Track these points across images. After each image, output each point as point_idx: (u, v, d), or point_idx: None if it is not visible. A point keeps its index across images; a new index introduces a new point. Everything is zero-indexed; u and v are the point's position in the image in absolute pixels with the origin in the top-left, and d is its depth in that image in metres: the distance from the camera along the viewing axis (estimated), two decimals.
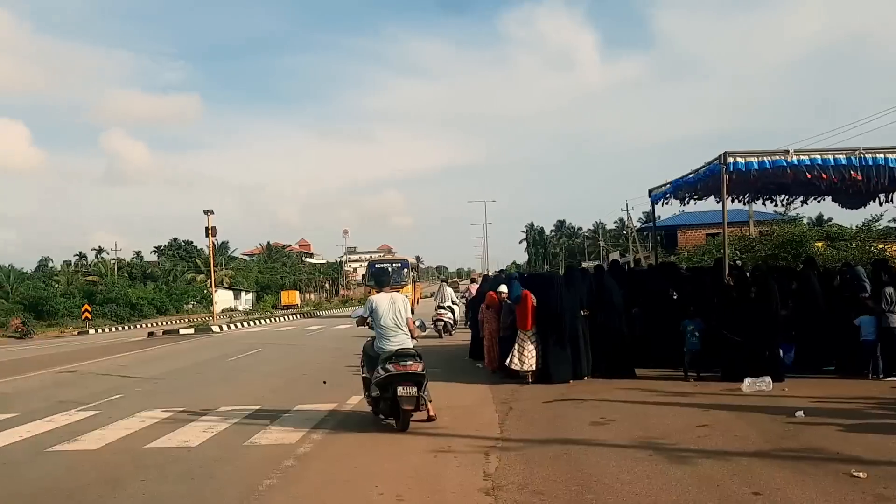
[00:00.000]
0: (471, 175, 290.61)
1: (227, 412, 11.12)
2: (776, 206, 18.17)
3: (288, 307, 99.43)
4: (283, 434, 9.38)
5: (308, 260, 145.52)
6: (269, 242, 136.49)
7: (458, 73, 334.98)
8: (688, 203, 17.50)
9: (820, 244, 31.91)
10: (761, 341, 11.86)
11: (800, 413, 9.22)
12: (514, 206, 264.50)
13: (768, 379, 11.31)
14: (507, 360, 12.93)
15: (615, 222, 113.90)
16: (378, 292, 10.24)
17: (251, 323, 42.62)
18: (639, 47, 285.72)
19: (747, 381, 11.31)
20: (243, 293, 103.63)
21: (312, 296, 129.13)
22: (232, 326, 38.32)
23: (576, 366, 12.81)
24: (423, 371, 9.44)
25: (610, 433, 8.71)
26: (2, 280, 72.18)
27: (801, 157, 13.11)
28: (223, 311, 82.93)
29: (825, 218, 52.21)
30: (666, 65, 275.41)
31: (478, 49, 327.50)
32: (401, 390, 9.22)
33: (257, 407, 11.50)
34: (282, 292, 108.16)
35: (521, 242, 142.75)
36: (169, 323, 55.76)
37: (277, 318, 51.11)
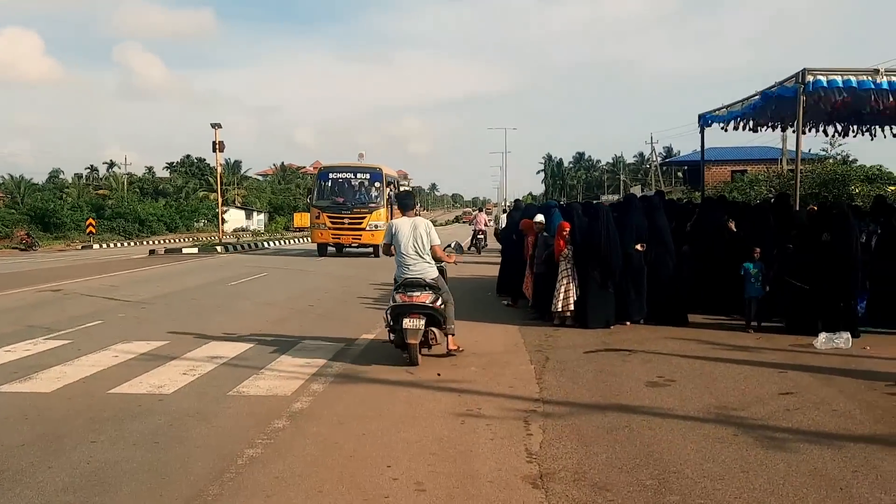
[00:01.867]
0: (491, 104, 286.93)
1: (214, 350, 9.59)
2: (853, 135, 16.13)
3: (301, 229, 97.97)
4: (278, 382, 7.83)
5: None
6: (283, 163, 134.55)
7: None
8: (745, 131, 15.65)
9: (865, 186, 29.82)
10: (836, 290, 10.20)
11: None
12: (533, 137, 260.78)
13: (847, 335, 9.66)
14: (552, 304, 11.34)
15: (634, 156, 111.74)
16: (402, 215, 9.32)
17: (260, 244, 41.06)
18: None
19: (822, 336, 9.66)
20: (255, 213, 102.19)
21: None
22: (239, 247, 36.72)
23: (620, 308, 11.20)
24: (433, 303, 8.68)
25: (674, 399, 7.11)
26: (11, 190, 70.95)
27: (893, 77, 11.21)
28: (234, 230, 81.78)
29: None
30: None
31: None
32: (407, 322, 8.55)
33: (252, 344, 9.96)
34: (295, 214, 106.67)
35: (538, 173, 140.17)
36: (176, 241, 54.32)
37: (288, 241, 49.55)
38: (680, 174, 77.06)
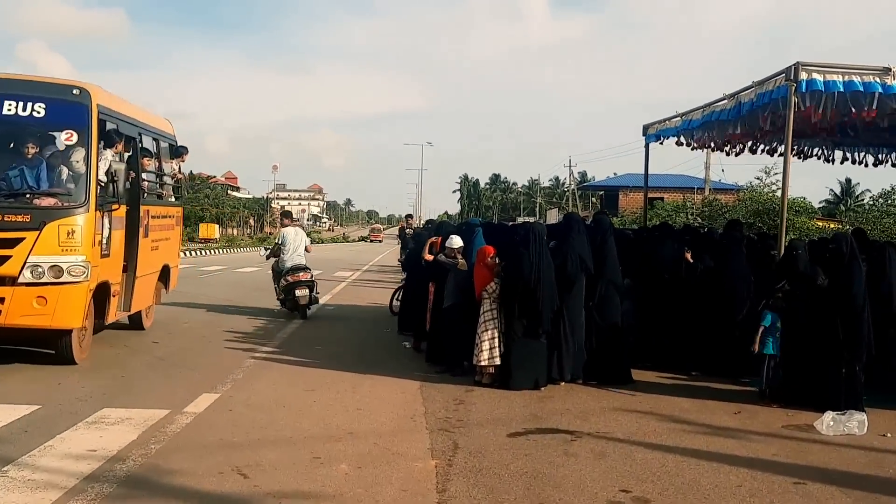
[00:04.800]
0: (409, 120, 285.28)
1: None
2: (859, 160, 13.49)
3: (206, 241, 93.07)
4: (19, 498, 4.78)
5: (234, 193, 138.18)
6: (191, 172, 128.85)
7: (406, 14, 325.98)
8: (710, 149, 13.24)
9: (822, 222, 28.14)
10: (836, 351, 7.73)
11: None
12: (450, 156, 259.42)
13: (861, 417, 7.17)
14: (474, 356, 8.54)
15: (550, 180, 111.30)
16: (290, 224, 14.79)
17: None
18: (589, 5, 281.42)
19: (828, 417, 7.13)
20: None
21: (235, 231, 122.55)
22: None
23: (553, 364, 8.50)
24: (311, 278, 13.88)
25: None
26: None
27: None
28: None
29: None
30: (615, 26, 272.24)
31: None
32: (298, 292, 13.49)
33: (31, 409, 6.83)
34: (200, 225, 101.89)
35: (454, 192, 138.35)
36: None
37: (183, 253, 45.36)
38: (595, 199, 76.00)
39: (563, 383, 8.59)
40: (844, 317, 7.72)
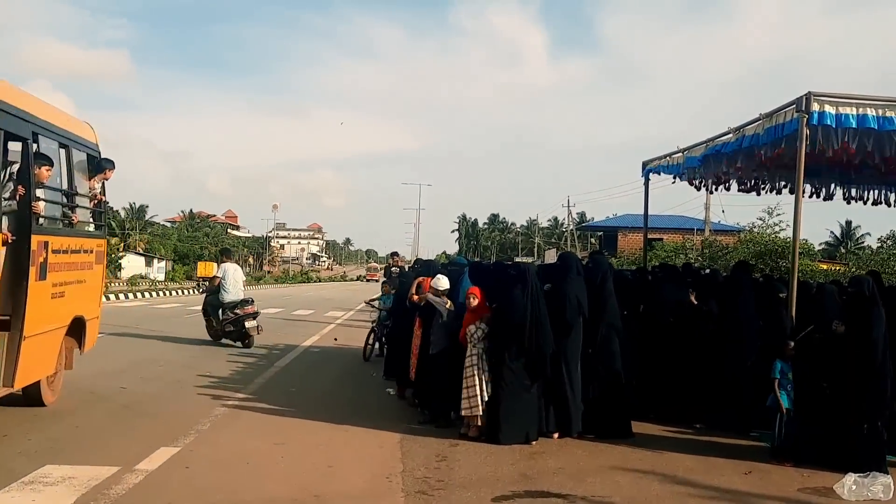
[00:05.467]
0: (407, 161, 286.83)
1: None
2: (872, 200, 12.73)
3: (204, 279, 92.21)
4: None
5: (234, 232, 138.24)
6: (191, 210, 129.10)
7: (404, 58, 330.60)
8: (710, 188, 12.65)
9: (826, 265, 27.45)
10: (855, 404, 7.07)
11: None
12: (448, 196, 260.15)
13: (886, 480, 6.46)
14: (461, 405, 7.86)
15: (548, 220, 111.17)
16: (228, 262, 15.80)
17: (133, 295, 35.85)
18: (586, 50, 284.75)
19: (850, 480, 6.43)
20: (156, 261, 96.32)
21: None
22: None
23: (546, 416, 7.83)
24: (256, 311, 15.01)
25: None
26: None
27: None
28: (132, 277, 75.92)
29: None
30: (611, 71, 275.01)
31: (427, 36, 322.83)
32: (248, 324, 14.66)
33: None
34: (199, 263, 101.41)
35: (452, 232, 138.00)
36: None
37: (174, 292, 44.67)
38: (594, 240, 75.35)
39: (556, 437, 7.90)
40: (864, 366, 7.08)
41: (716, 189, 12.63)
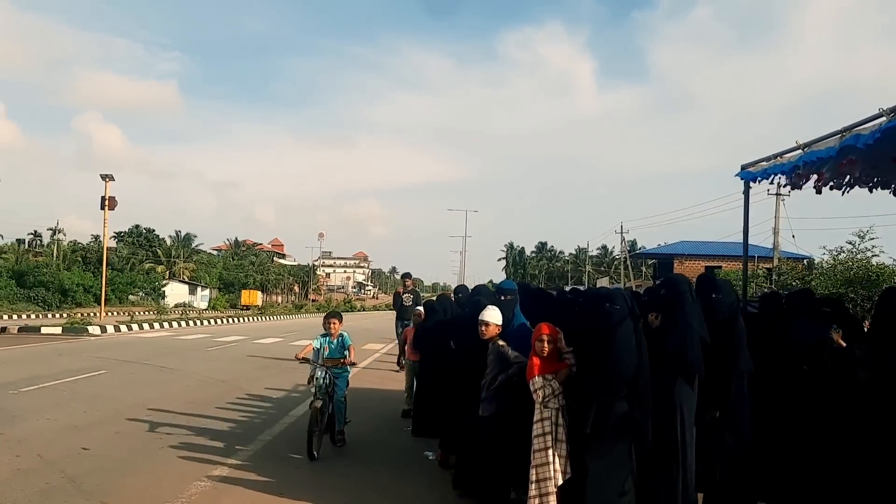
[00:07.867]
0: (454, 191, 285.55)
1: None
2: None
3: (247, 307, 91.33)
4: None
5: (279, 261, 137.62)
6: (236, 238, 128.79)
7: (452, 88, 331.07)
8: (816, 187, 10.12)
9: None
10: None
11: None
12: (495, 225, 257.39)
13: None
14: (530, 494, 5.43)
15: (598, 248, 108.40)
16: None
17: (162, 325, 33.87)
18: (635, 79, 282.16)
19: None
20: (199, 289, 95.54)
21: (279, 297, 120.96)
22: (124, 328, 29.39)
23: (647, 498, 5.37)
24: None
25: None
26: None
27: None
28: (175, 305, 74.98)
29: None
30: (660, 99, 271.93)
31: (474, 66, 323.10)
32: None
33: None
34: (242, 291, 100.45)
35: (499, 261, 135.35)
36: (94, 314, 47.20)
37: (207, 321, 42.26)
38: (646, 268, 72.20)
39: None
40: None
41: (831, 189, 10.09)
